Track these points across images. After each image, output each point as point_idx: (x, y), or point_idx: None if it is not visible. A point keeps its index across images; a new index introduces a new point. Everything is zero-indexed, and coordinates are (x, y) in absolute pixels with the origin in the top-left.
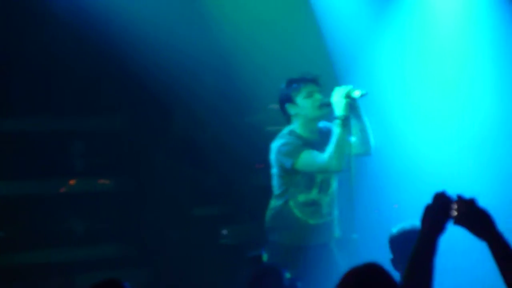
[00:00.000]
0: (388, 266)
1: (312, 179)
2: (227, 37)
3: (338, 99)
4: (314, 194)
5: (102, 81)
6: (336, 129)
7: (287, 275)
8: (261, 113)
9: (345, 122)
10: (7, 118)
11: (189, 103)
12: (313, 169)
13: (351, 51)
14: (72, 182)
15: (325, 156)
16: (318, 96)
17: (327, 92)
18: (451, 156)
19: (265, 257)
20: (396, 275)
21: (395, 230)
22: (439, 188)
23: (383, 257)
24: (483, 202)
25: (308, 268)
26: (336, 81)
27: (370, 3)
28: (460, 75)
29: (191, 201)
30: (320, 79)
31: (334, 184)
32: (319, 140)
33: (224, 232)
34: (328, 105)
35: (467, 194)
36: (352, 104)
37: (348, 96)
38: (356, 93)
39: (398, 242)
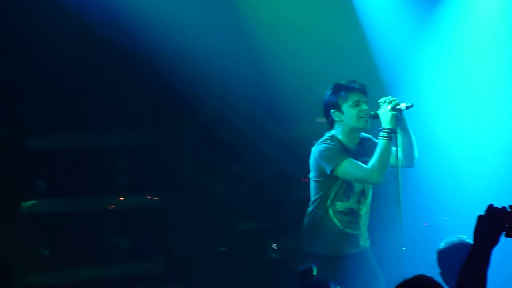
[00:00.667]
0: (437, 279)
1: (351, 188)
2: (269, 50)
3: (384, 112)
4: (352, 203)
5: (143, 97)
6: (381, 141)
7: None
8: (304, 125)
9: (391, 135)
10: (48, 136)
11: (230, 117)
12: (353, 178)
13: (396, 59)
14: (115, 198)
15: (368, 166)
16: (364, 107)
17: (372, 102)
18: (500, 166)
19: (315, 270)
20: None
21: (442, 244)
22: (489, 200)
23: (432, 269)
24: None
25: (347, 277)
26: (381, 91)
27: (414, 12)
28: (504, 82)
29: (235, 215)
30: (367, 89)
31: (370, 195)
32: (358, 150)
33: (269, 246)
34: (375, 117)
35: None
36: (398, 117)
37: (394, 108)
38: (402, 105)
39: (447, 256)
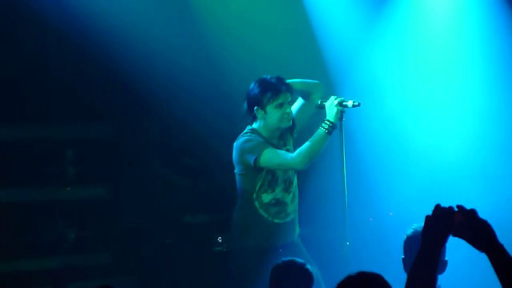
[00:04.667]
0: (384, 273)
1: (275, 179)
2: (219, 44)
3: (331, 105)
4: (278, 193)
5: (92, 89)
6: (319, 130)
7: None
8: None
9: (331, 129)
10: None
11: (180, 111)
12: (276, 165)
13: (345, 55)
14: (63, 190)
15: (294, 152)
16: (287, 109)
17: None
18: (448, 163)
19: None
20: (404, 276)
21: (409, 230)
22: (435, 196)
23: (377, 264)
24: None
25: None
26: (330, 86)
27: (365, 8)
28: (456, 76)
29: (183, 208)
30: (292, 89)
31: (295, 181)
32: (280, 143)
33: (217, 239)
34: (321, 108)
35: (466, 204)
36: (343, 113)
37: (341, 104)
38: (349, 103)
39: (410, 242)
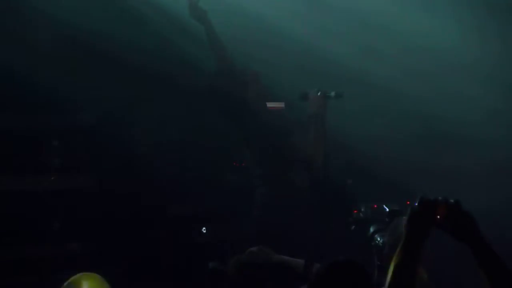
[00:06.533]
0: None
1: None
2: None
3: (313, 95)
4: None
5: (76, 78)
6: (311, 126)
7: None
8: None
9: (318, 120)
10: None
11: (164, 100)
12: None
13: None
14: (47, 179)
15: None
16: None
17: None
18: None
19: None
20: None
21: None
22: (424, 190)
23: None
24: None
25: None
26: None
27: None
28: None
29: (166, 200)
30: None
31: None
32: None
33: (200, 231)
34: (304, 99)
35: (451, 197)
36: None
37: (324, 94)
38: (332, 94)
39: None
